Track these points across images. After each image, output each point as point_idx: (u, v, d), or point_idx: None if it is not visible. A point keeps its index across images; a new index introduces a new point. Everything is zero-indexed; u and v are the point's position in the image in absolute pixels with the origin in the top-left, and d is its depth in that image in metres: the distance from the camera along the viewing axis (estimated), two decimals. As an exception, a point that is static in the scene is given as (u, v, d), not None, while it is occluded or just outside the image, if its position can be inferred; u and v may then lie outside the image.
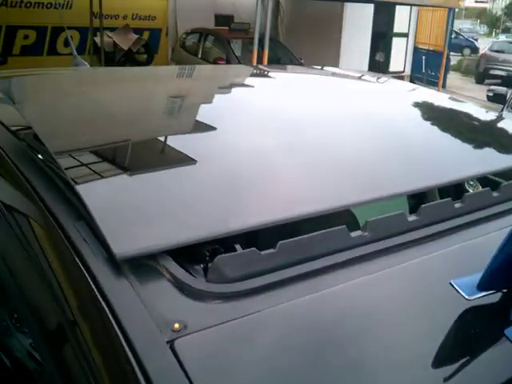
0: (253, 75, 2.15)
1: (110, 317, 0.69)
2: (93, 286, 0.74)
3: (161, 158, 1.15)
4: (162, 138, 1.25)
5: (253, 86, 1.91)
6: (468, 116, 1.73)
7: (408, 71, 14.03)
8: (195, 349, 0.67)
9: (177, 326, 0.68)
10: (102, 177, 1.01)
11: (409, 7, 13.10)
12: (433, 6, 12.15)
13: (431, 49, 13.90)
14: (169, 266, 0.77)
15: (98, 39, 10.61)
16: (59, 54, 10.72)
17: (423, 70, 14.02)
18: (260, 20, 7.76)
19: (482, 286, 0.79)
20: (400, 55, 13.76)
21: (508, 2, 43.11)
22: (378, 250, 0.88)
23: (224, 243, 0.86)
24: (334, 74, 2.21)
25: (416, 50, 14.34)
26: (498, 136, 1.56)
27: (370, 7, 12.37)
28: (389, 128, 1.39)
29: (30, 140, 1.18)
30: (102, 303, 0.71)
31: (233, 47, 9.80)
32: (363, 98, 1.72)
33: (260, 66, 3.34)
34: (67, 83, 1.87)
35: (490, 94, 5.75)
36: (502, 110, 5.27)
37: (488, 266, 0.77)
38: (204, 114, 1.42)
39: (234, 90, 1.85)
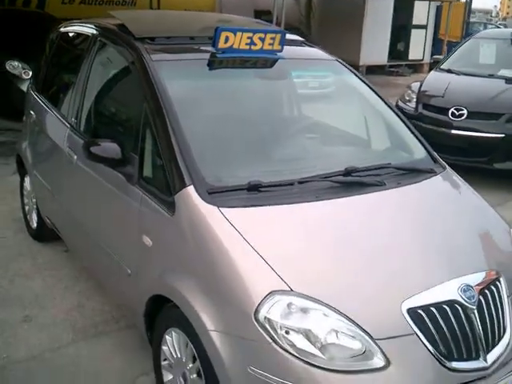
0: None
1: None
2: None
3: None
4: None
5: None
6: None
7: (427, 59, 15.59)
8: None
9: None
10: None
11: (427, 2, 14.76)
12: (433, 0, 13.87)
13: (450, 39, 15.44)
14: None
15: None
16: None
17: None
18: (280, 11, 9.75)
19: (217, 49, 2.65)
20: (419, 45, 15.38)
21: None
22: None
23: None
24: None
25: (438, 41, 15.92)
26: None
27: (390, 2, 14.11)
28: None
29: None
30: None
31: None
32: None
33: None
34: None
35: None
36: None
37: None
38: None
39: None
